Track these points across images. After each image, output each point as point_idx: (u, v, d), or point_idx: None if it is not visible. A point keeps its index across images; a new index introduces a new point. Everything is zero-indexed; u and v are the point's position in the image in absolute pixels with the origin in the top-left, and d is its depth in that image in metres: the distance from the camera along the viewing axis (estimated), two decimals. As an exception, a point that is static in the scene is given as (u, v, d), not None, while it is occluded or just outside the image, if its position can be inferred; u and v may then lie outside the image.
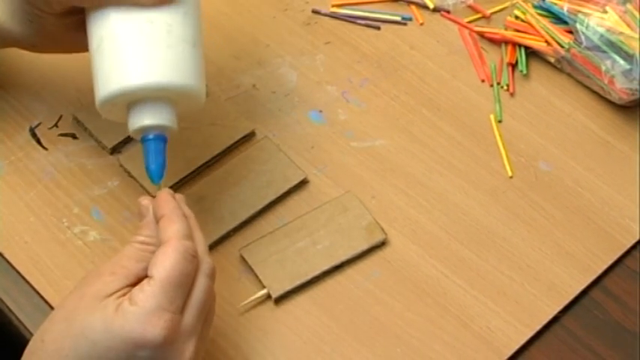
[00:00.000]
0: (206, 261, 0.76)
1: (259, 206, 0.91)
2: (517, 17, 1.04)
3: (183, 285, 0.73)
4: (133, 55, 0.79)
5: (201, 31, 0.83)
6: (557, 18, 1.02)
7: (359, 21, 1.05)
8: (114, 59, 0.79)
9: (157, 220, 0.77)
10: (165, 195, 0.79)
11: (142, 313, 0.71)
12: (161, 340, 0.71)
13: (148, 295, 0.72)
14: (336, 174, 0.94)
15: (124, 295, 0.73)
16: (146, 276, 0.74)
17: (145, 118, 0.80)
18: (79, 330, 0.72)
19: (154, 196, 0.79)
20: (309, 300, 0.87)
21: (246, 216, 0.91)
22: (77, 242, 0.89)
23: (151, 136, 0.80)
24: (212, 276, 0.77)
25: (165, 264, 0.73)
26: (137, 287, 0.73)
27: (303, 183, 0.93)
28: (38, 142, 0.95)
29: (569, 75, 1.02)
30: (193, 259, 0.75)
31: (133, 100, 0.80)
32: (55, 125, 0.96)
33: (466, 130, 0.98)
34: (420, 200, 0.93)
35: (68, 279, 0.87)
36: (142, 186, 0.92)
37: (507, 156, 0.96)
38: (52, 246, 0.89)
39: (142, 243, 0.77)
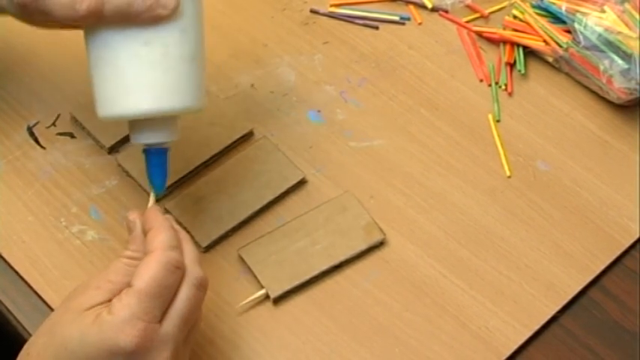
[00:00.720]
0: (195, 271, 0.76)
1: (258, 206, 0.91)
2: (515, 17, 1.04)
3: (163, 295, 0.74)
4: (131, 81, 0.78)
5: (203, 41, 0.82)
6: (556, 17, 1.02)
7: (357, 21, 1.05)
8: (112, 83, 0.78)
9: (144, 232, 0.77)
10: (153, 209, 0.80)
11: (117, 322, 0.72)
12: (133, 348, 0.71)
13: (124, 304, 0.72)
14: (335, 174, 0.94)
15: (106, 306, 0.74)
16: None
17: (146, 137, 0.81)
18: (59, 341, 0.73)
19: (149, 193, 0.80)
20: (307, 300, 0.87)
21: (245, 216, 0.91)
22: (75, 242, 0.89)
23: (153, 150, 0.81)
24: (200, 286, 0.76)
25: (144, 275, 0.73)
26: (116, 297, 0.73)
27: (301, 183, 0.93)
28: (36, 141, 0.95)
29: (567, 74, 1.02)
30: (176, 269, 0.75)
31: (134, 119, 0.80)
32: (53, 124, 0.96)
33: (464, 130, 0.98)
34: (418, 200, 0.93)
35: (66, 278, 0.87)
36: (140, 185, 0.92)
37: (506, 156, 0.96)
38: (50, 245, 0.89)
39: (129, 258, 0.77)
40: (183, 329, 0.75)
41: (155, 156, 0.82)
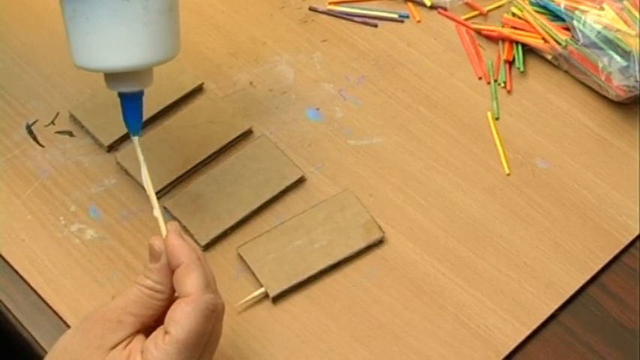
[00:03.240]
0: (219, 303, 0.74)
1: (256, 204, 0.91)
2: (514, 14, 1.04)
3: (201, 344, 0.72)
4: (113, 37, 0.78)
5: None
6: (554, 15, 1.02)
7: (356, 18, 1.05)
8: (93, 38, 0.78)
9: (171, 266, 0.74)
10: (176, 240, 0.75)
11: None
12: None
13: (162, 354, 0.70)
14: (334, 172, 0.94)
15: (130, 342, 0.72)
16: (153, 323, 0.74)
17: (123, 87, 0.81)
18: None
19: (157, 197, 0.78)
20: (306, 299, 0.87)
21: (244, 214, 0.90)
22: (74, 240, 0.89)
23: (128, 95, 0.81)
24: (221, 317, 0.75)
25: (185, 325, 0.71)
26: (150, 341, 0.71)
27: (300, 181, 0.93)
28: (35, 139, 0.95)
29: (566, 72, 1.02)
30: (212, 314, 0.72)
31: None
32: (52, 123, 0.96)
33: (463, 128, 0.98)
34: (417, 198, 0.93)
35: (65, 277, 0.87)
36: (139, 184, 0.92)
37: (504, 153, 0.96)
38: (49, 244, 0.89)
39: (151, 289, 0.74)
40: (210, 358, 0.75)
41: (130, 101, 0.81)
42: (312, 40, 1.03)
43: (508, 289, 0.88)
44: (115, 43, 0.78)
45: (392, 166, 0.95)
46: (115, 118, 0.94)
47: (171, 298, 0.75)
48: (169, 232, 0.76)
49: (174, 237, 0.75)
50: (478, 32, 1.05)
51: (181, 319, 0.71)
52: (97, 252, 0.89)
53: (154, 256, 0.75)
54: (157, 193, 0.90)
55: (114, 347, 0.72)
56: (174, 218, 0.90)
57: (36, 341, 0.85)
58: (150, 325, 0.74)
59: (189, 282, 0.73)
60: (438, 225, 0.92)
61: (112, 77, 0.81)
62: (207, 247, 0.89)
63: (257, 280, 0.87)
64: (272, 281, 0.87)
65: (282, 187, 0.92)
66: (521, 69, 1.02)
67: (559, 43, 1.00)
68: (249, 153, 0.94)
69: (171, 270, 0.74)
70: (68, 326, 0.85)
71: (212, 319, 0.73)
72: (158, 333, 0.72)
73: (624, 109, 1.00)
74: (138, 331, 0.74)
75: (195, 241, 0.89)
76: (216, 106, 0.97)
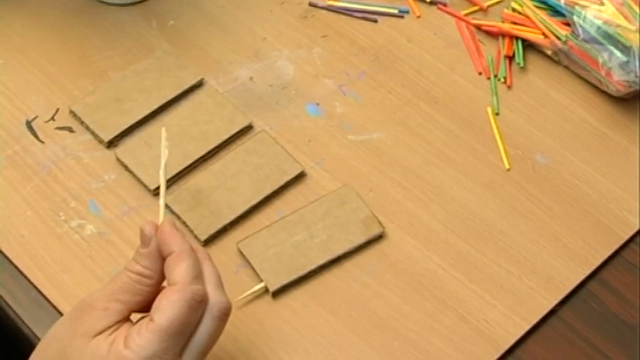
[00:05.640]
0: (217, 301, 0.73)
1: (256, 200, 0.91)
2: (514, 10, 1.04)
3: (185, 332, 0.71)
4: None
5: None
6: (555, 10, 1.02)
7: (356, 14, 1.05)
8: None
9: (162, 254, 0.74)
10: (169, 228, 0.75)
11: None
12: None
13: (144, 341, 0.70)
14: (334, 167, 0.94)
15: (117, 330, 0.72)
16: (141, 309, 0.73)
17: None
18: None
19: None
20: (306, 293, 0.87)
21: (244, 209, 0.90)
22: (74, 236, 0.89)
23: None
24: (223, 316, 0.74)
25: (167, 312, 0.71)
26: (134, 328, 0.71)
27: (300, 176, 0.93)
28: (35, 135, 0.95)
29: (566, 67, 1.02)
30: (200, 305, 0.72)
31: None
32: (52, 119, 0.96)
33: (463, 123, 0.98)
34: (417, 193, 0.93)
35: (65, 273, 0.87)
36: (139, 179, 0.92)
37: (505, 149, 0.96)
38: (49, 240, 0.89)
39: (139, 274, 0.74)
40: (202, 359, 0.73)
41: None
42: (312, 36, 1.03)
43: (508, 284, 0.88)
44: None
45: (392, 162, 0.95)
46: (114, 114, 0.95)
47: (159, 286, 0.75)
48: (164, 221, 0.76)
49: (168, 225, 0.75)
50: (478, 27, 1.05)
51: (165, 307, 0.71)
52: (97, 247, 0.89)
53: (144, 240, 0.75)
54: (155, 189, 0.91)
55: (99, 334, 0.72)
56: (174, 213, 0.90)
57: (36, 336, 0.85)
58: (141, 314, 0.74)
59: (178, 271, 0.73)
60: (438, 220, 0.92)
61: None
62: (207, 242, 0.89)
63: (257, 275, 0.87)
64: (272, 276, 0.87)
65: (282, 183, 0.92)
66: (521, 64, 1.02)
67: (559, 39, 1.00)
68: (249, 148, 0.94)
69: (163, 258, 0.74)
70: (68, 321, 0.85)
71: (198, 310, 0.72)
72: (144, 320, 0.72)
73: (624, 104, 1.00)
74: (126, 319, 0.73)
75: (195, 236, 0.89)
76: (216, 101, 0.97)
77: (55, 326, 0.75)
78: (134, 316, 0.75)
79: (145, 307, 0.74)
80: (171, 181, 0.92)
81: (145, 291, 0.74)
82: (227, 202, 0.91)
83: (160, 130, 0.83)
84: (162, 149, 0.81)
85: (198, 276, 0.73)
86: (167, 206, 0.90)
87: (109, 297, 0.73)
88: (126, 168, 0.93)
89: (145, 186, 0.91)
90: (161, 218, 0.78)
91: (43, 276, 0.87)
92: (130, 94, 0.96)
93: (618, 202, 0.94)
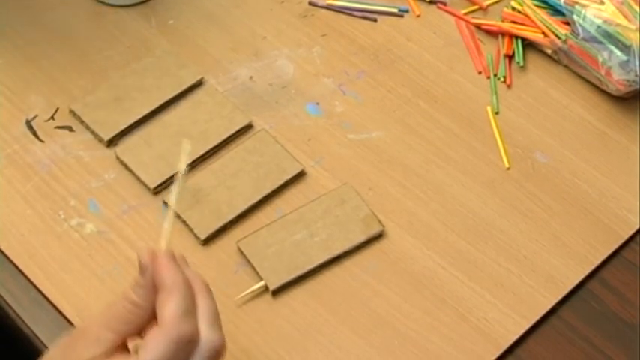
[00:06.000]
0: (209, 340, 0.71)
1: (256, 198, 0.91)
2: (514, 9, 1.04)
3: None
4: None
5: None
6: (554, 9, 1.02)
7: (356, 13, 1.05)
8: None
9: (156, 286, 0.72)
10: (165, 259, 0.72)
11: None
12: None
13: None
14: (333, 166, 0.94)
15: (108, 358, 0.70)
16: (137, 335, 0.72)
17: None
18: None
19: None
20: (306, 292, 0.87)
21: (243, 208, 0.91)
22: (74, 235, 0.89)
23: None
24: (214, 355, 0.71)
25: (151, 350, 0.69)
26: None
27: (300, 175, 0.93)
28: (35, 134, 0.95)
29: (566, 66, 1.02)
30: (187, 344, 0.70)
31: None
32: (52, 118, 0.96)
33: (463, 122, 0.98)
34: (417, 192, 0.93)
35: (65, 272, 0.87)
36: (138, 178, 0.92)
37: (504, 148, 0.96)
38: (48, 239, 0.89)
39: (134, 305, 0.72)
40: None
41: None
42: (311, 35, 1.03)
43: (508, 282, 0.88)
44: None
45: (391, 160, 0.95)
46: (114, 113, 0.95)
47: (153, 316, 0.72)
48: (163, 253, 0.73)
49: (165, 256, 0.73)
50: (478, 27, 1.05)
51: (149, 344, 0.69)
52: (97, 246, 0.89)
53: (141, 269, 0.73)
54: (156, 188, 0.91)
55: None
56: (175, 213, 0.89)
57: (36, 336, 0.85)
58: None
59: (167, 308, 0.70)
60: (437, 219, 0.92)
61: None
62: (206, 241, 0.89)
63: (257, 273, 0.87)
64: (272, 275, 0.87)
65: (281, 181, 0.92)
66: (521, 63, 1.02)
67: (559, 38, 1.00)
68: (248, 147, 0.94)
69: (157, 289, 0.72)
70: (68, 320, 0.85)
71: (185, 350, 0.70)
72: (132, 354, 0.70)
73: (624, 103, 1.00)
74: (119, 347, 0.72)
75: (195, 235, 0.89)
76: (215, 100, 0.97)
77: (50, 349, 0.73)
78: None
79: (141, 334, 0.72)
80: (171, 181, 0.92)
81: (136, 321, 0.72)
82: (227, 201, 0.91)
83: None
84: (180, 166, 0.78)
85: (189, 312, 0.71)
86: (166, 205, 0.90)
87: (101, 325, 0.72)
88: (125, 167, 0.93)
89: (145, 185, 0.91)
90: (163, 244, 0.74)
91: (43, 275, 0.87)
92: (130, 93, 0.96)
93: (618, 200, 0.94)
